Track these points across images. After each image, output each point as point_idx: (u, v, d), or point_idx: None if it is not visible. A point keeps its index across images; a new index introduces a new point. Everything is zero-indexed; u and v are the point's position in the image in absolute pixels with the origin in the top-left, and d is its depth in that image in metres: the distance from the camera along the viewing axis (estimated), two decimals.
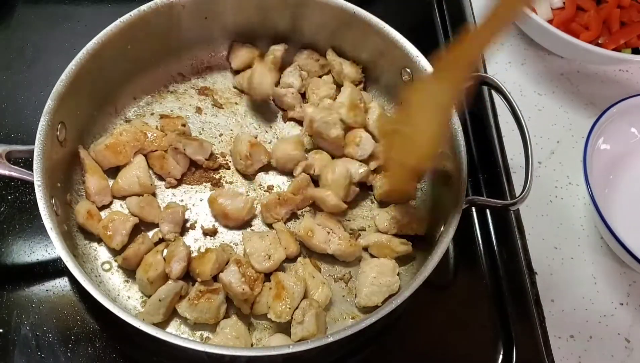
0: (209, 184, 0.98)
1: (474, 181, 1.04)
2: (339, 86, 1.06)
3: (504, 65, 1.19)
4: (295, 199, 0.94)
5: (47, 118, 0.85)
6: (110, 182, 0.96)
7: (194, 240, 0.93)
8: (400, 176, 0.90)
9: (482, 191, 1.03)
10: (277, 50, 1.06)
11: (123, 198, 0.94)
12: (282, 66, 1.08)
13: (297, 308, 0.84)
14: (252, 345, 0.85)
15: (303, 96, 1.07)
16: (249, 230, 0.94)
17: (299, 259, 0.91)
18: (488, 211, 1.01)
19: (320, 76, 1.08)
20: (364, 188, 0.99)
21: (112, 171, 0.96)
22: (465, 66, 0.79)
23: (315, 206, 0.96)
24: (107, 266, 0.89)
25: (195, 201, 0.97)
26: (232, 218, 0.93)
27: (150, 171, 0.97)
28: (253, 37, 1.09)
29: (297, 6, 1.04)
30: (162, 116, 1.02)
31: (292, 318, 0.83)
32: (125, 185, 0.93)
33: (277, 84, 1.07)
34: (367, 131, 1.00)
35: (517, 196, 0.87)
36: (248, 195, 0.97)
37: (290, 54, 1.08)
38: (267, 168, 1.00)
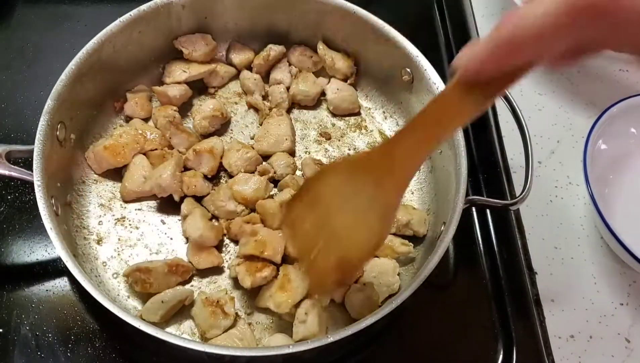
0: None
1: (474, 181, 1.04)
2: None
3: None
4: None
5: (47, 118, 0.85)
6: (114, 185, 0.96)
7: None
8: (320, 280, 0.77)
9: (482, 191, 1.03)
10: (273, 49, 1.06)
11: (134, 201, 0.94)
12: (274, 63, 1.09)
13: (298, 305, 0.84)
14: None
15: None
16: None
17: None
18: (488, 211, 1.01)
19: (314, 73, 1.09)
20: None
21: (112, 172, 0.96)
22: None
23: None
24: (107, 266, 0.89)
25: None
26: (251, 200, 0.93)
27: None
28: (252, 37, 1.09)
29: (297, 6, 1.04)
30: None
31: (294, 317, 0.83)
32: (135, 187, 0.93)
33: (267, 80, 1.08)
34: None
35: (517, 196, 0.87)
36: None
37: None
38: None
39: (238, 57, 1.08)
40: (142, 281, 0.84)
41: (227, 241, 0.93)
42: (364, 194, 0.70)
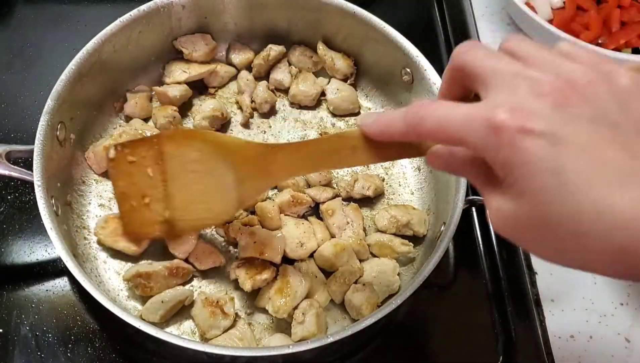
0: None
1: None
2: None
3: None
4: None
5: (47, 118, 0.85)
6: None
7: None
8: (135, 228, 0.82)
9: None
10: (273, 49, 1.06)
11: None
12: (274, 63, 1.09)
13: (296, 307, 0.84)
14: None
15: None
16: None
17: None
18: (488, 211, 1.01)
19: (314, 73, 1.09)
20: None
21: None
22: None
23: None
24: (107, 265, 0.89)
25: None
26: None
27: None
28: (253, 37, 1.09)
29: (298, 6, 1.04)
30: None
31: (292, 318, 0.83)
32: None
33: (268, 79, 1.08)
34: None
35: None
36: None
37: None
38: None
39: (238, 57, 1.08)
40: (142, 285, 0.84)
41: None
42: (225, 176, 0.72)
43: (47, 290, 0.89)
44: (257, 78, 1.08)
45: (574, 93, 0.46)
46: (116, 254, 0.90)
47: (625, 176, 0.43)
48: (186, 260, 0.89)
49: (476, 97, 0.53)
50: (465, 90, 0.57)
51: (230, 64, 1.09)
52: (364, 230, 0.95)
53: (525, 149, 0.44)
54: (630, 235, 0.42)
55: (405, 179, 1.03)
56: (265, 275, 0.84)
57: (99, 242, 0.89)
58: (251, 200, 0.74)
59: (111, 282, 0.88)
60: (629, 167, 0.43)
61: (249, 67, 1.09)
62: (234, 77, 1.09)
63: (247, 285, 0.83)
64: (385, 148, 0.61)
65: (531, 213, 0.46)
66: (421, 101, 0.55)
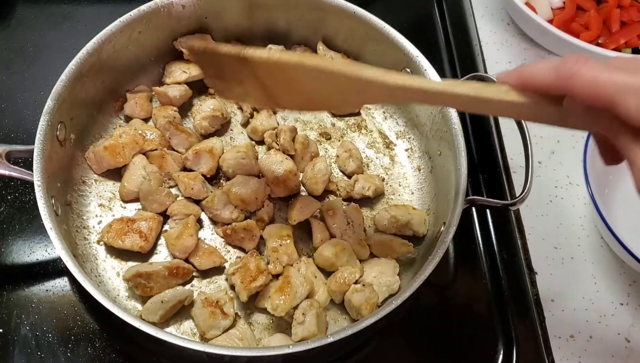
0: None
1: (474, 181, 1.04)
2: None
3: (504, 65, 1.19)
4: None
5: (47, 118, 0.85)
6: (114, 185, 0.96)
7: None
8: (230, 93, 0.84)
9: (482, 191, 1.03)
10: (273, 49, 1.06)
11: (133, 201, 0.94)
12: None
13: (296, 308, 0.84)
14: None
15: None
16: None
17: (303, 258, 0.91)
18: (488, 211, 1.01)
19: None
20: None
21: (112, 172, 0.96)
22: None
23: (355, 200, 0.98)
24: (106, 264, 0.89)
25: None
26: (249, 202, 0.93)
27: None
28: (253, 37, 1.09)
29: (298, 6, 1.04)
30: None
31: (292, 318, 0.83)
32: (134, 187, 0.93)
33: None
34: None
35: (517, 196, 0.87)
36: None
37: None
38: None
39: None
40: (142, 285, 0.84)
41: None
42: (341, 85, 0.70)
43: (47, 290, 0.89)
44: None
45: None
46: (116, 254, 0.90)
47: None
48: (186, 260, 0.89)
49: None
50: None
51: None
52: (364, 230, 0.95)
53: None
54: None
55: (405, 179, 1.03)
56: (260, 281, 0.84)
57: (105, 245, 0.89)
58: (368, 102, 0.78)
59: (111, 282, 0.88)
60: None
61: None
62: None
63: (243, 295, 0.84)
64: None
65: None
66: (577, 55, 0.55)
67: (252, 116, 1.05)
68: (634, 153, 0.52)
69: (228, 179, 0.96)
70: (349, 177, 1.00)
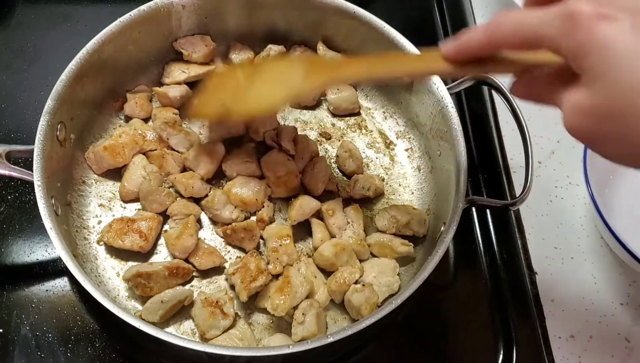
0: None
1: (474, 181, 1.04)
2: None
3: None
4: None
5: (47, 118, 0.85)
6: (114, 185, 0.96)
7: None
8: (209, 110, 0.90)
9: (482, 191, 1.03)
10: (273, 50, 1.06)
11: (133, 201, 0.94)
12: None
13: (296, 308, 0.84)
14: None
15: None
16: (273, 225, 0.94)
17: (303, 258, 0.91)
18: (488, 211, 1.01)
19: None
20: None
21: (112, 172, 0.96)
22: (334, 77, 0.77)
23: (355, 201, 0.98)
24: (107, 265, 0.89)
25: None
26: (250, 203, 0.93)
27: None
28: (253, 37, 1.09)
29: (297, 6, 1.04)
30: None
31: (292, 318, 0.83)
32: (134, 187, 0.93)
33: None
34: None
35: (517, 196, 0.87)
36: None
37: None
38: None
39: (238, 57, 1.08)
40: (142, 285, 0.84)
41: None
42: (296, 73, 0.78)
43: (47, 290, 0.89)
44: None
45: None
46: (116, 254, 0.90)
47: None
48: (186, 260, 0.89)
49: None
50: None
51: (230, 64, 1.09)
52: (364, 230, 0.95)
53: (600, 31, 0.45)
54: None
55: (405, 179, 1.03)
56: (260, 281, 0.84)
57: (106, 245, 0.89)
58: (307, 88, 0.79)
59: (111, 282, 0.88)
60: None
61: None
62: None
63: (243, 295, 0.84)
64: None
65: (604, 95, 0.47)
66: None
67: None
68: (563, 96, 0.53)
69: (228, 179, 0.96)
70: (349, 177, 1.01)
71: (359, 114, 1.09)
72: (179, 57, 1.05)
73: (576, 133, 0.51)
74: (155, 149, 0.97)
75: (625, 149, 0.49)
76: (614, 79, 0.46)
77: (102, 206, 0.94)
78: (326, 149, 1.04)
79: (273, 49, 1.07)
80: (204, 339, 0.83)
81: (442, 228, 0.86)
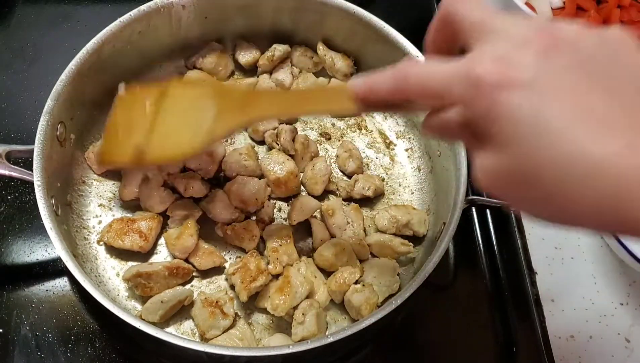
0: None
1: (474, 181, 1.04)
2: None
3: None
4: None
5: (47, 118, 0.85)
6: (114, 185, 0.96)
7: None
8: (121, 156, 0.79)
9: (482, 191, 1.03)
10: (278, 49, 1.06)
11: (133, 201, 0.94)
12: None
13: (296, 308, 0.84)
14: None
15: None
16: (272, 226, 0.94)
17: (303, 258, 0.91)
18: (488, 211, 1.01)
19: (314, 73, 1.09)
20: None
21: (112, 172, 0.96)
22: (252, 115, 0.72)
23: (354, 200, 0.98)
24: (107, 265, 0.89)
25: None
26: (249, 203, 0.93)
27: None
28: (253, 37, 1.09)
29: (297, 6, 1.04)
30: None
31: (292, 318, 0.83)
32: (134, 187, 0.93)
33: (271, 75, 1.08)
34: None
35: None
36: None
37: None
38: None
39: (244, 57, 1.08)
40: (142, 285, 0.84)
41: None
42: (208, 110, 0.73)
43: (47, 290, 0.89)
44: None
45: (560, 43, 0.45)
46: (116, 254, 0.90)
47: (609, 124, 0.42)
48: (186, 260, 0.89)
49: (462, 53, 0.52)
50: (450, 43, 0.55)
51: (236, 63, 1.09)
52: (364, 230, 0.95)
53: (504, 101, 0.44)
54: (610, 184, 0.41)
55: (405, 179, 1.03)
56: (260, 281, 0.84)
57: (106, 245, 0.90)
58: (221, 134, 0.75)
59: (111, 282, 0.88)
60: (616, 116, 0.42)
61: (254, 67, 1.09)
62: (231, 75, 1.09)
63: (243, 295, 0.84)
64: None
65: (514, 163, 0.45)
66: (409, 60, 0.54)
67: None
68: (474, 154, 0.50)
69: (228, 179, 0.96)
70: (349, 177, 1.01)
71: (359, 114, 1.09)
72: (184, 56, 1.06)
73: (492, 192, 0.50)
74: None
75: (545, 210, 0.47)
76: (522, 149, 0.44)
77: (102, 206, 0.94)
78: (326, 149, 1.04)
79: (278, 49, 1.07)
80: (204, 339, 0.83)
81: (442, 228, 0.86)
